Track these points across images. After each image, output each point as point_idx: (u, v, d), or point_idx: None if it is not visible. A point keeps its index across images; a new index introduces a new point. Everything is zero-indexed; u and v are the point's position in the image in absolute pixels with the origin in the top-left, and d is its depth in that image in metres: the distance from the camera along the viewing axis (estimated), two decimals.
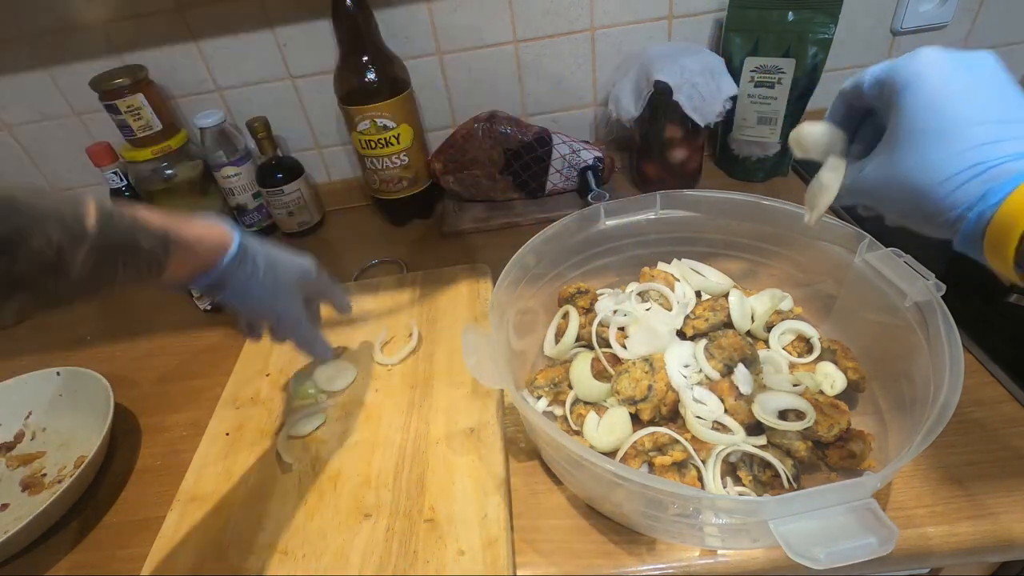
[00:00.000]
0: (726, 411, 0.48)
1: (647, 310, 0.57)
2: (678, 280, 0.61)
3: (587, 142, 0.84)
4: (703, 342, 0.53)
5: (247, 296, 0.47)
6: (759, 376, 0.51)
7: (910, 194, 0.30)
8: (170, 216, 0.41)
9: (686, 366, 0.52)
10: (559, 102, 0.88)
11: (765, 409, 0.47)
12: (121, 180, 0.83)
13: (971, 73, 0.30)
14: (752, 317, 0.57)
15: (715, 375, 0.51)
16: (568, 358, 0.57)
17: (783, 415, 0.47)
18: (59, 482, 0.58)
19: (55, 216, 0.33)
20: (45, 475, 0.59)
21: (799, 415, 0.47)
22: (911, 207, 0.31)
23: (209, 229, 0.43)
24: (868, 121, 0.37)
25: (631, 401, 0.50)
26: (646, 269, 0.62)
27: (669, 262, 0.64)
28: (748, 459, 0.47)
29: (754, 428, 0.48)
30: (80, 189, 0.92)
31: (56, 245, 0.32)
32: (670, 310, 0.57)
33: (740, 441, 0.47)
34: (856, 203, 0.35)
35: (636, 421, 0.50)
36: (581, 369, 0.53)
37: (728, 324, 0.57)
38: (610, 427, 0.49)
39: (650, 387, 0.49)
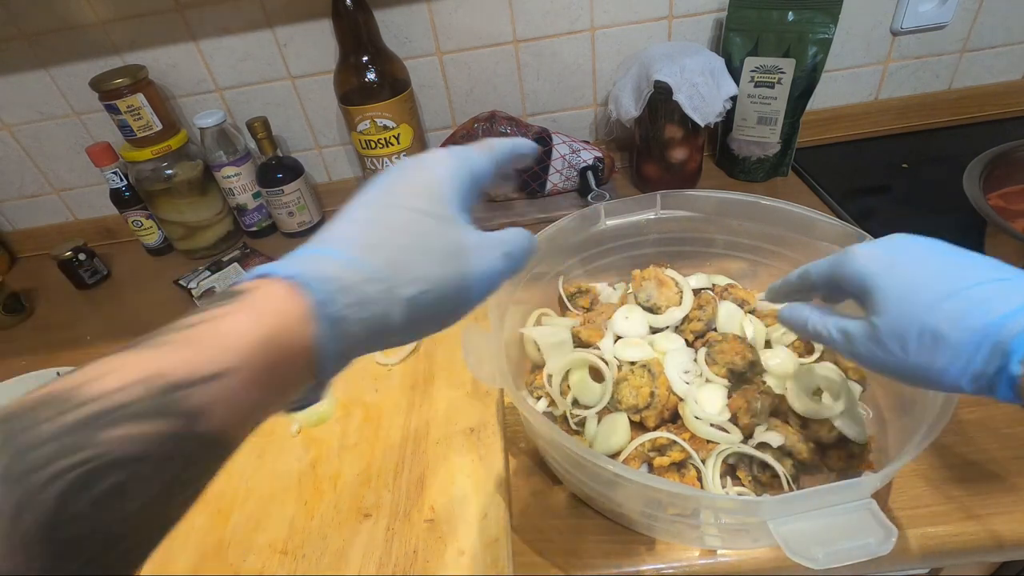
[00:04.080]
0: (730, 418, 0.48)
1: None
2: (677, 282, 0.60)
3: (587, 142, 0.84)
4: (704, 349, 0.53)
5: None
6: (763, 377, 0.51)
7: (915, 373, 0.30)
8: None
9: (686, 371, 0.52)
10: (559, 102, 0.88)
11: (799, 391, 0.47)
12: (121, 180, 0.84)
13: (922, 246, 0.31)
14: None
15: (720, 381, 0.51)
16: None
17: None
18: None
19: None
20: None
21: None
22: (918, 381, 0.31)
23: None
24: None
25: (635, 410, 0.49)
26: (636, 272, 0.60)
27: (669, 262, 0.64)
28: (748, 459, 0.47)
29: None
30: (80, 189, 0.92)
31: None
32: (659, 312, 0.57)
33: (738, 440, 0.47)
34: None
35: (639, 426, 0.50)
36: (580, 376, 0.53)
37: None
38: (610, 429, 0.49)
39: (652, 394, 0.49)
